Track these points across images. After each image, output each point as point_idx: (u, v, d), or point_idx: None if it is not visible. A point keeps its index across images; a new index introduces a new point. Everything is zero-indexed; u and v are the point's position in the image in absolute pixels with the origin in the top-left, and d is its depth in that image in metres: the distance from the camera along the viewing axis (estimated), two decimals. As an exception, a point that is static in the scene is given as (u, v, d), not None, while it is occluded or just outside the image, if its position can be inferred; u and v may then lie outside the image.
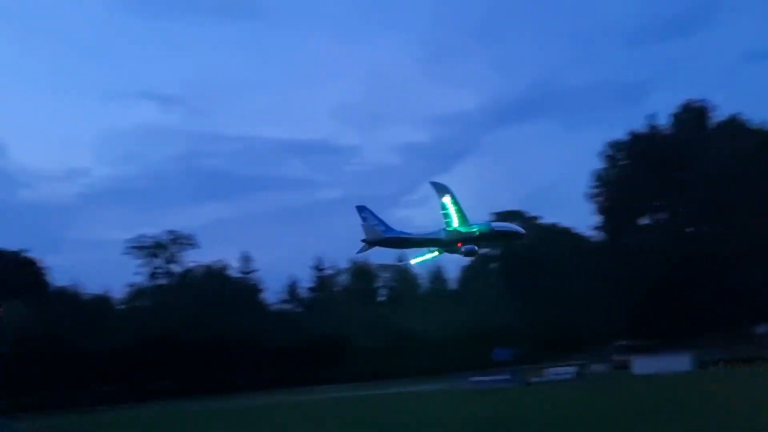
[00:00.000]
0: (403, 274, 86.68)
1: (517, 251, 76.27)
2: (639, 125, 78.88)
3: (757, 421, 18.75)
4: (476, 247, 34.59)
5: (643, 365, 48.34)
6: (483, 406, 35.05)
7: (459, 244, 33.89)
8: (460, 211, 32.10)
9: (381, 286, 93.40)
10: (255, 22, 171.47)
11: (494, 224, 35.62)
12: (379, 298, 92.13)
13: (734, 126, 72.96)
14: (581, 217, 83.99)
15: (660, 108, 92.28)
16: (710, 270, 64.82)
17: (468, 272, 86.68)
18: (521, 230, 36.91)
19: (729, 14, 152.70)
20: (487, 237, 35.08)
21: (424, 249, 35.36)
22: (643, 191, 75.61)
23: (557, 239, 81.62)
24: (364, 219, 33.12)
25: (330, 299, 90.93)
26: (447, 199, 31.74)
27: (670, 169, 74.91)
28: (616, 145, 79.46)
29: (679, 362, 46.65)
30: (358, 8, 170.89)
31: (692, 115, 76.46)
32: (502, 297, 75.10)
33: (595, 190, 79.32)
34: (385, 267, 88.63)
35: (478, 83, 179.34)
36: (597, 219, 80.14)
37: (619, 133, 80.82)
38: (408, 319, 75.50)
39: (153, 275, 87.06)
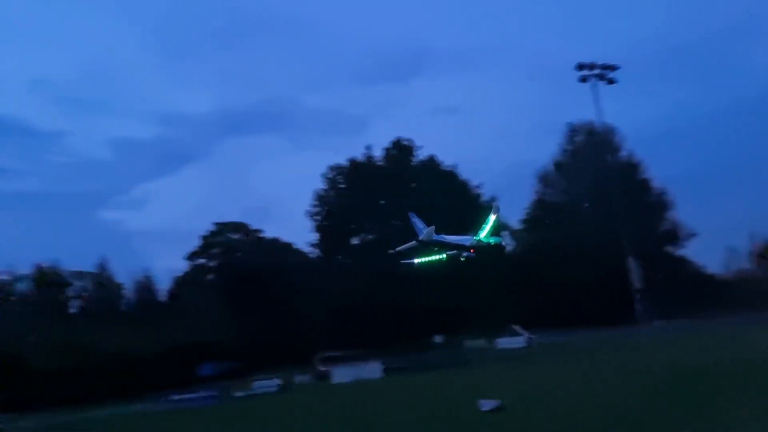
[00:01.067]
0: (101, 283, 76.85)
1: (235, 263, 74.89)
2: (358, 154, 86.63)
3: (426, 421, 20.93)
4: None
5: (341, 374, 51.63)
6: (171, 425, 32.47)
7: (472, 251, 38.51)
8: (494, 227, 38.02)
9: (73, 297, 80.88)
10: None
11: (496, 238, 39.53)
12: (71, 311, 79.68)
13: (432, 165, 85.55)
14: (302, 234, 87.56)
15: (377, 140, 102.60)
16: (404, 289, 73.66)
17: (181, 284, 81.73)
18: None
19: (430, 71, 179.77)
20: (492, 247, 39.66)
21: (433, 252, 39.07)
22: (356, 214, 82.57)
23: (277, 253, 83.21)
24: (415, 223, 37.57)
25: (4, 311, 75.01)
26: (494, 216, 38.30)
27: (381, 196, 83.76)
28: (336, 169, 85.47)
29: (371, 370, 51.26)
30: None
31: (401, 150, 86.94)
32: (216, 310, 72.64)
33: (315, 209, 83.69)
34: (79, 274, 77.12)
35: (213, 88, 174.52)
36: (314, 236, 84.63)
37: (341, 158, 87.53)
38: (105, 335, 66.78)
39: None
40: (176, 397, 49.29)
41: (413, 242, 37.82)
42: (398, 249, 41.00)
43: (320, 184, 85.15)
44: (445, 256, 39.59)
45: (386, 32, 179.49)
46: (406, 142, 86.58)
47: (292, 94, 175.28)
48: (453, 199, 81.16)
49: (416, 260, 41.65)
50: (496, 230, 39.00)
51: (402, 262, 44.94)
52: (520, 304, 75.21)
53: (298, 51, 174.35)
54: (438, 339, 68.32)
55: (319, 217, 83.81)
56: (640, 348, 41.61)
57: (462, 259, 40.29)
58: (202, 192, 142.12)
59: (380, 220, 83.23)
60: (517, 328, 62.36)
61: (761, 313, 70.72)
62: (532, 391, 24.35)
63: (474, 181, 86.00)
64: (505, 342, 58.19)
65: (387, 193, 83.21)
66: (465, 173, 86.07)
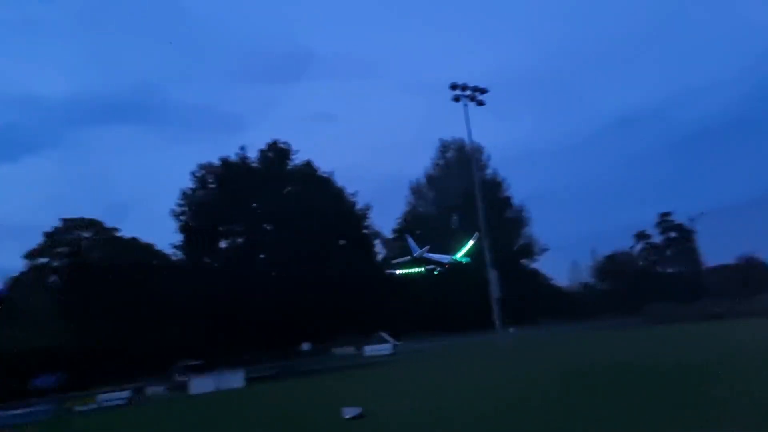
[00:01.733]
0: None
1: (84, 263, 67.90)
2: (231, 154, 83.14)
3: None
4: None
5: (200, 385, 48.62)
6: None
7: (447, 266, 45.13)
8: (470, 250, 45.90)
9: None
10: None
11: (467, 258, 46.81)
12: None
13: (308, 170, 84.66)
14: (165, 235, 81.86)
15: (253, 141, 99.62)
16: (272, 295, 71.70)
17: (17, 286, 72.28)
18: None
19: (312, 76, 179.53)
20: (463, 265, 46.66)
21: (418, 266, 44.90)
22: (226, 215, 79.02)
23: (135, 254, 76.86)
24: (409, 242, 45.48)
25: None
26: (473, 242, 46.06)
27: (253, 198, 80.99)
28: (207, 168, 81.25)
29: (233, 379, 48.90)
30: None
31: (277, 153, 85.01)
32: (60, 315, 65.13)
33: (181, 209, 78.71)
34: None
35: (70, 69, 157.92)
36: (179, 237, 79.49)
37: (213, 157, 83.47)
38: None
39: None
40: (3, 413, 43.28)
41: (408, 258, 45.01)
42: (394, 262, 49.78)
43: (188, 183, 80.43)
44: (424, 269, 45.81)
45: (270, 32, 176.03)
46: (282, 145, 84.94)
47: (163, 85, 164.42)
48: (328, 206, 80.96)
49: (398, 271, 47.99)
50: (470, 253, 46.83)
51: (386, 271, 54.57)
52: (389, 312, 76.61)
53: (172, 40, 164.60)
54: (305, 346, 67.26)
55: (184, 218, 78.96)
56: (501, 351, 44.09)
57: (435, 273, 46.90)
58: (50, 184, 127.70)
59: (251, 223, 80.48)
60: (384, 335, 63.30)
61: (602, 321, 78.70)
62: (395, 397, 24.51)
63: (350, 189, 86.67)
64: (372, 349, 58.72)
65: (259, 196, 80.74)
66: (341, 181, 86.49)
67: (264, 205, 79.76)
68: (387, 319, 74.43)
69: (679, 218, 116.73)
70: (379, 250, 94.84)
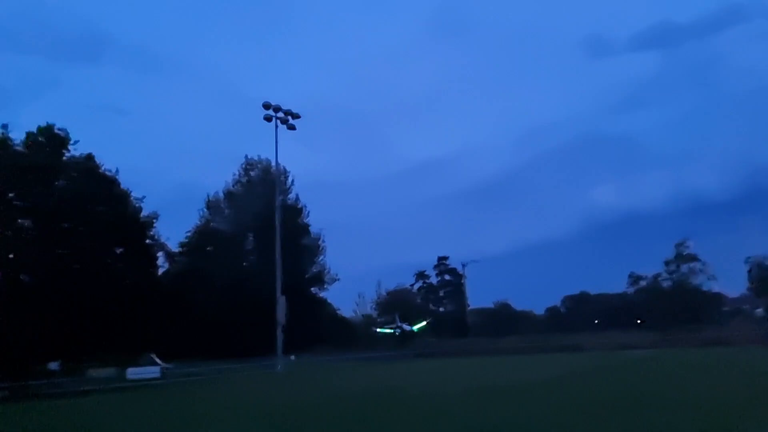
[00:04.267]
0: None
1: None
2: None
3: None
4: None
5: None
6: None
7: (406, 331, 74.65)
8: (423, 327, 76.83)
9: None
10: None
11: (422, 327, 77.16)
12: None
13: (89, 165, 74.53)
14: None
15: (20, 121, 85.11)
16: (15, 302, 60.90)
17: None
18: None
19: (106, 63, 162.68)
20: (415, 333, 76.88)
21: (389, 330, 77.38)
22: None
23: None
24: (396, 318, 75.90)
25: None
26: (425, 322, 76.15)
27: (12, 187, 68.58)
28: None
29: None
30: None
31: (51, 140, 73.40)
32: None
33: None
34: None
35: None
36: None
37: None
38: None
39: None
40: None
41: (392, 325, 71.09)
42: (379, 330, 76.14)
43: None
44: (393, 331, 72.44)
45: (62, 3, 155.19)
46: (59, 132, 73.60)
47: None
48: (108, 208, 72.47)
49: (378, 329, 74.62)
50: (420, 329, 76.05)
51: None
52: (166, 332, 70.40)
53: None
54: (53, 366, 57.76)
55: None
56: (275, 378, 42.78)
57: (396, 334, 75.55)
58: None
59: (2, 215, 67.89)
60: (153, 356, 57.48)
61: (380, 353, 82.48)
62: (154, 421, 21.69)
63: (136, 194, 78.58)
64: (137, 372, 52.68)
65: (23, 185, 68.68)
66: (127, 183, 77.96)
67: (24, 197, 67.88)
68: (164, 339, 68.14)
69: (453, 263, 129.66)
70: (162, 264, 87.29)
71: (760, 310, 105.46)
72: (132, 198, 77.85)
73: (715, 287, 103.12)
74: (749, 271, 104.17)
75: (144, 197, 78.55)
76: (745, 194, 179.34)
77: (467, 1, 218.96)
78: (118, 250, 76.51)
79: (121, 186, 76.89)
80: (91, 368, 58.02)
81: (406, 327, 75.50)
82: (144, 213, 78.91)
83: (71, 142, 73.71)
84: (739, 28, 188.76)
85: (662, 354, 49.44)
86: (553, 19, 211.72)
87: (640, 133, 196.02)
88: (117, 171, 76.65)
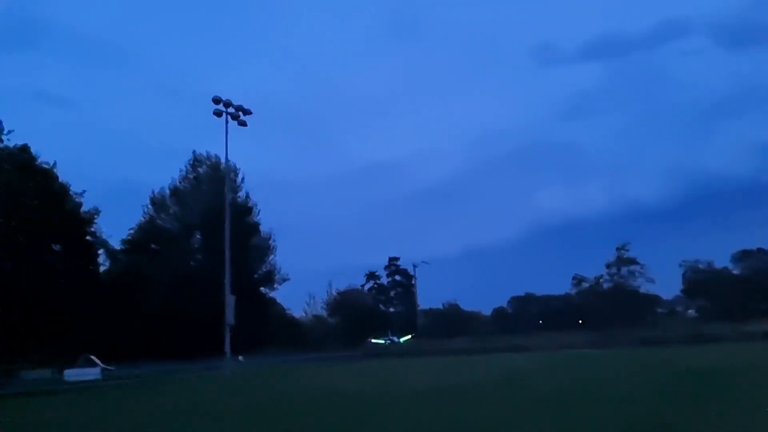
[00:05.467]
0: None
1: None
2: None
3: None
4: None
5: None
6: None
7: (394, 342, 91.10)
8: (407, 341, 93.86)
9: None
10: None
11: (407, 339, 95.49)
12: None
13: (23, 156, 70.95)
14: None
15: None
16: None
17: None
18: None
19: (45, 47, 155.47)
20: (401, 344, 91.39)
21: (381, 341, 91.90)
22: None
23: None
24: (388, 335, 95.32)
25: None
26: (410, 336, 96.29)
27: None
28: None
29: None
30: None
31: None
32: None
33: None
34: None
35: None
36: None
37: None
38: None
39: None
40: None
41: (385, 337, 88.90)
42: (373, 340, 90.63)
43: None
44: (384, 341, 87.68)
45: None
46: (-7, 123, 69.90)
47: None
48: (45, 202, 69.32)
49: (372, 340, 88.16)
50: (405, 341, 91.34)
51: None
52: (103, 332, 67.91)
53: None
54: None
55: None
56: (221, 380, 41.99)
57: (387, 344, 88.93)
58: None
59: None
60: (93, 357, 55.33)
61: (328, 354, 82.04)
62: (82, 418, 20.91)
63: (76, 188, 75.41)
64: (75, 373, 50.55)
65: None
66: (66, 176, 74.69)
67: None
68: (107, 340, 65.71)
69: (404, 264, 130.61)
70: (103, 262, 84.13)
71: (692, 311, 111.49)
72: (71, 193, 74.73)
73: (652, 289, 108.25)
74: (683, 274, 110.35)
75: (84, 192, 75.60)
76: (682, 202, 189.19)
77: (422, 5, 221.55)
78: (56, 247, 73.25)
79: (60, 180, 73.66)
80: (24, 370, 55.37)
81: (395, 339, 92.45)
82: (84, 208, 75.90)
83: (5, 132, 70.07)
84: (679, 43, 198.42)
85: (601, 354, 51.45)
86: (506, 26, 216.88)
87: (585, 141, 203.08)
88: (55, 164, 73.45)
